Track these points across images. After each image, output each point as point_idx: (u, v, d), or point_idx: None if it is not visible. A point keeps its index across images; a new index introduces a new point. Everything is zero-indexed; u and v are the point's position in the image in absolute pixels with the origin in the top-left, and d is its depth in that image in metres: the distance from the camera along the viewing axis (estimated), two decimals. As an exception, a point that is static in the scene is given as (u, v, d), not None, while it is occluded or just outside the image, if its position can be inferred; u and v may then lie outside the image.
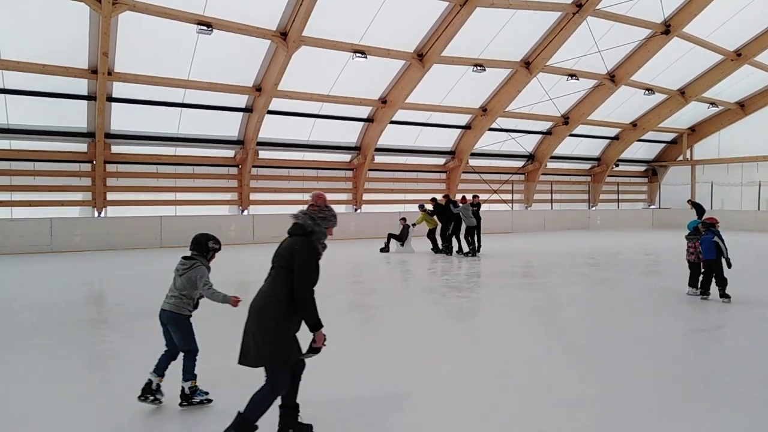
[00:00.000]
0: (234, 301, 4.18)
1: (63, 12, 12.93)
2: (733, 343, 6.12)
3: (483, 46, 17.60)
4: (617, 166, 27.37)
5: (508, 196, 24.66)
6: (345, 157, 20.80)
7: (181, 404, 4.05)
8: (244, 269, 12.19)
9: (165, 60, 14.98)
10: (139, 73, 14.97)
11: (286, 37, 14.86)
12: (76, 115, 15.68)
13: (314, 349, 3.38)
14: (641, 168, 29.75)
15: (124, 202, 17.17)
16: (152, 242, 16.66)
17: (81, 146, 16.33)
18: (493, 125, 21.43)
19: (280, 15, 14.50)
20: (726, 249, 7.87)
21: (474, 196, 15.27)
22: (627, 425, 3.77)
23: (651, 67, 20.45)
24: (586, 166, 27.43)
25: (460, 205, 14.77)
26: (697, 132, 27.56)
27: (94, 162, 16.30)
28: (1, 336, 6.16)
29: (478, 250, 14.49)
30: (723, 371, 5.03)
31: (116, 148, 16.69)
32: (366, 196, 21.26)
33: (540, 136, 24.09)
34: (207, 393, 4.15)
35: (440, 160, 22.93)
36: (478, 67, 17.94)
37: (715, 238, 7.88)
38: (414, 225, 15.62)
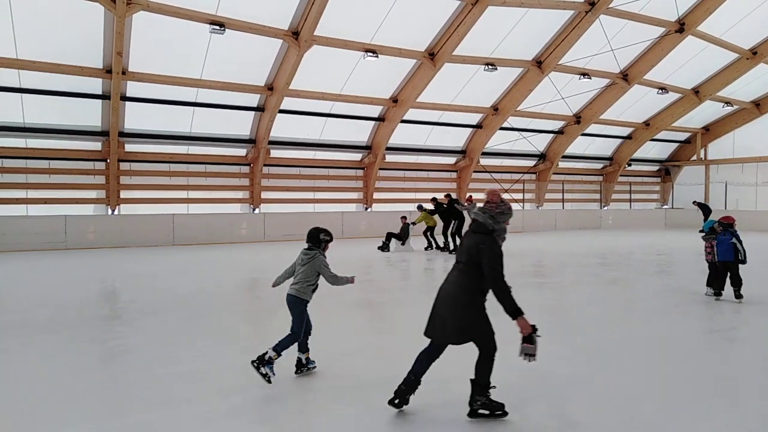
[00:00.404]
0: (353, 280, 4.84)
1: (78, 12, 13.08)
2: (746, 344, 6.06)
3: (494, 45, 17.54)
4: (630, 165, 27.16)
5: (520, 196, 24.55)
6: (356, 156, 20.83)
7: (296, 372, 4.71)
8: (255, 267, 12.26)
9: (178, 59, 15.11)
10: (153, 72, 15.11)
11: (297, 36, 14.92)
12: (90, 114, 15.86)
13: (527, 341, 3.61)
14: (654, 168, 29.49)
15: (138, 200, 17.34)
16: (165, 240, 16.81)
17: (95, 145, 16.51)
18: (505, 124, 21.36)
19: (291, 14, 14.56)
20: (744, 251, 7.76)
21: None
22: (638, 425, 3.76)
23: (664, 66, 20.25)
24: (598, 165, 27.24)
25: (466, 204, 14.78)
26: (711, 131, 27.25)
27: (108, 160, 16.48)
28: (16, 332, 6.26)
29: None
30: (736, 372, 4.99)
31: (130, 147, 16.86)
32: (377, 195, 21.28)
33: (552, 135, 23.96)
34: (274, 374, 4.42)
35: (451, 160, 22.89)
36: (490, 66, 17.88)
37: (733, 240, 7.78)
38: (414, 224, 15.61)
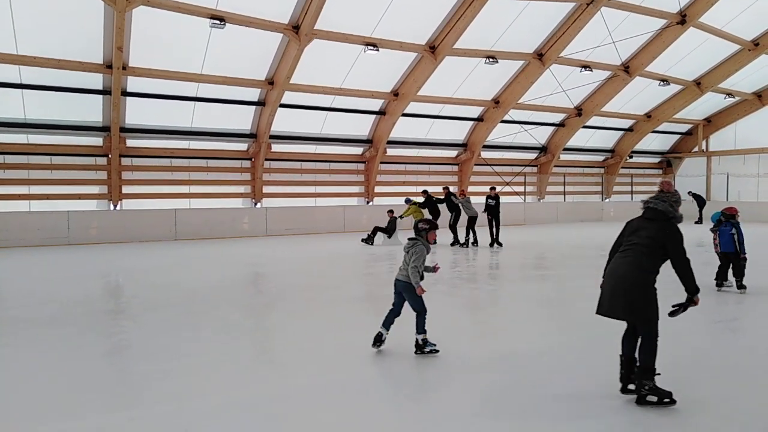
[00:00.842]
0: (435, 269, 5.21)
1: (78, 7, 13.06)
2: (749, 335, 6.09)
3: (495, 38, 17.49)
4: (631, 157, 27.12)
5: (521, 189, 24.55)
6: (357, 150, 20.83)
7: (415, 352, 5.02)
8: (256, 261, 12.30)
9: (178, 54, 15.09)
10: (153, 67, 15.09)
11: (298, 30, 14.88)
12: (91, 110, 15.85)
13: (684, 309, 4.11)
14: (656, 159, 29.45)
15: (139, 195, 17.36)
16: (167, 235, 16.85)
17: (97, 140, 16.52)
18: (506, 117, 21.33)
19: (292, 8, 14.52)
20: (741, 242, 7.79)
21: (491, 188, 15.33)
22: (642, 417, 3.79)
23: (666, 58, 20.19)
24: (600, 157, 27.21)
25: (459, 197, 14.99)
26: (712, 123, 27.19)
27: (110, 156, 16.49)
28: (20, 327, 6.30)
29: (498, 243, 14.46)
30: (739, 363, 5.01)
31: (131, 142, 16.87)
32: (378, 189, 21.28)
33: (553, 128, 23.93)
34: (435, 345, 5.02)
35: (452, 153, 22.87)
36: (491, 59, 17.84)
37: (733, 230, 7.82)
38: (402, 217, 15.54)
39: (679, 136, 28.43)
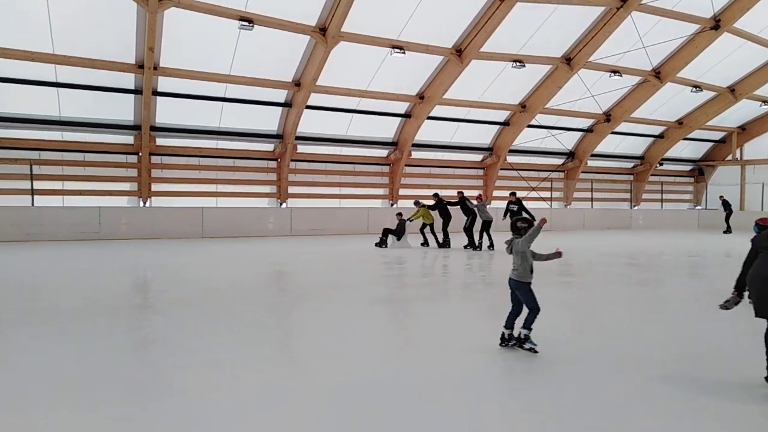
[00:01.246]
0: (558, 254, 5.30)
1: (111, 8, 13.43)
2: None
3: (523, 42, 17.38)
4: (661, 165, 26.60)
5: (547, 194, 24.28)
6: (382, 153, 20.89)
7: (515, 345, 5.22)
8: (280, 261, 12.42)
9: (208, 55, 15.37)
10: (183, 67, 15.40)
11: (325, 32, 15.02)
12: (123, 109, 16.25)
13: None
14: (687, 167, 28.82)
15: (168, 193, 17.72)
16: (194, 233, 17.14)
17: (128, 138, 16.92)
18: (533, 122, 21.15)
19: (319, 10, 14.67)
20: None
21: (511, 194, 15.25)
22: (666, 428, 3.71)
23: (699, 63, 19.79)
24: (629, 164, 26.76)
25: (476, 202, 15.02)
26: (747, 131, 26.51)
27: (140, 154, 16.87)
28: (51, 319, 6.47)
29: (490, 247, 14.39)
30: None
31: (161, 141, 17.23)
32: (402, 192, 21.30)
33: (581, 133, 23.63)
34: (536, 344, 5.12)
35: (478, 157, 22.76)
36: (518, 63, 17.73)
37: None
38: (410, 220, 15.53)
39: (712, 143, 27.78)
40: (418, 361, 5.05)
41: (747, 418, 3.83)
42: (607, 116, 22.48)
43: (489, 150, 22.54)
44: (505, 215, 14.94)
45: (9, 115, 15.21)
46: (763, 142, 26.17)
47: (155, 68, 14.99)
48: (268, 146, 18.94)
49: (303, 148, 19.14)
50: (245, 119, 17.82)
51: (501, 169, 22.63)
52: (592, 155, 24.23)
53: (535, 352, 5.08)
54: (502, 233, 14.67)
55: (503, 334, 5.31)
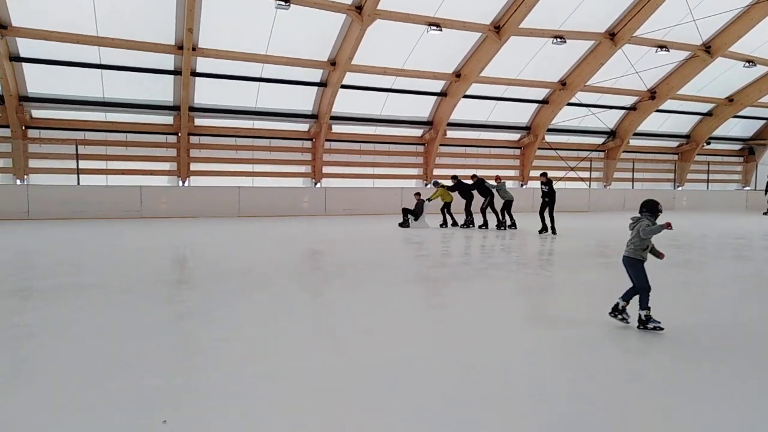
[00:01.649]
0: (667, 226, 5.19)
1: (152, -10, 13.62)
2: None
3: (564, 17, 16.84)
4: (709, 144, 25.54)
5: (586, 174, 23.70)
6: (417, 132, 20.73)
7: (638, 327, 5.16)
8: (316, 240, 12.56)
9: (245, 35, 15.47)
10: (221, 48, 15.56)
11: (361, 10, 14.88)
12: (163, 89, 16.59)
13: None
14: (736, 146, 27.61)
15: (206, 172, 18.08)
16: (231, 211, 17.48)
17: (168, 119, 17.28)
18: (573, 100, 20.58)
19: (355, -12, 14.53)
20: None
21: (542, 174, 14.92)
22: (706, 407, 3.60)
23: (753, 37, 18.81)
24: (674, 143, 25.81)
25: (495, 182, 15.07)
26: (803, 108, 25.15)
27: (179, 134, 17.22)
28: (93, 293, 6.73)
29: (553, 231, 14.13)
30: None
31: (199, 121, 17.54)
32: (437, 172, 21.16)
33: (623, 111, 22.88)
34: (659, 322, 5.11)
35: (515, 136, 22.34)
36: (558, 39, 17.22)
37: None
38: (429, 200, 15.46)
39: (764, 121, 26.50)
40: (453, 340, 5.04)
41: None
42: (652, 93, 21.66)
43: (527, 129, 22.09)
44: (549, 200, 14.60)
45: (56, 97, 15.73)
46: (820, 120, 24.82)
47: (194, 49, 15.20)
48: (303, 126, 19.05)
49: (338, 128, 19.18)
50: (281, 99, 17.94)
51: (539, 148, 22.17)
52: (635, 134, 23.46)
53: (661, 329, 5.05)
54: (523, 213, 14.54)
55: (617, 304, 5.32)
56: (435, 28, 15.85)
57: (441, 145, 20.67)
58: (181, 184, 17.62)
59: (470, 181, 15.60)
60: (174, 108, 17.00)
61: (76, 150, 16.29)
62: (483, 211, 15.19)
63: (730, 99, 23.45)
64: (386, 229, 14.57)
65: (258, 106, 17.92)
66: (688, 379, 4.09)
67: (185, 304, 6.29)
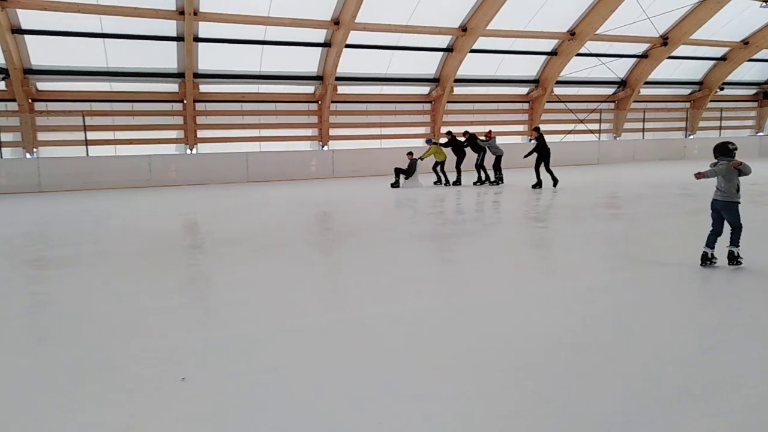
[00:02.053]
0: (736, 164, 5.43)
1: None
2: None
3: (572, -38, 16.27)
4: (722, 89, 24.92)
5: (596, 126, 23.34)
6: (423, 90, 20.45)
7: (729, 263, 5.57)
8: (325, 202, 12.63)
9: (245, -3, 15.18)
10: (223, 12, 15.31)
11: (361, -35, 14.48)
12: (167, 57, 16.43)
13: None
14: (751, 91, 26.93)
15: (213, 139, 18.08)
16: (239, 177, 17.55)
17: (173, 87, 17.18)
18: (582, 50, 20.07)
19: (355, -58, 14.10)
20: None
21: (535, 128, 14.50)
22: (720, 351, 3.67)
23: (770, -25, 18.05)
24: (686, 91, 25.23)
25: (485, 138, 15.20)
26: (822, 48, 24.33)
27: (185, 101, 17.15)
28: (111, 260, 6.89)
29: (554, 183, 13.91)
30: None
31: (204, 88, 17.41)
32: (444, 129, 20.93)
33: (634, 60, 22.31)
34: (742, 258, 5.54)
35: (523, 90, 21.97)
36: (567, -14, 16.68)
37: None
38: (422, 158, 15.39)
39: (780, 63, 25.73)
40: (464, 292, 5.12)
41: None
42: (664, 40, 21.06)
43: (535, 82, 21.68)
44: (529, 154, 14.19)
45: (60, 68, 15.67)
46: (839, 60, 24.05)
47: (195, 13, 14.97)
48: (308, 89, 18.86)
49: (343, 89, 18.95)
50: (285, 62, 17.70)
51: (547, 101, 21.81)
52: (646, 83, 22.93)
53: (740, 263, 5.50)
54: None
55: (705, 254, 5.60)
56: (439, -20, 15.45)
57: (448, 102, 20.39)
58: (189, 151, 17.66)
59: (463, 138, 15.59)
60: (179, 75, 16.87)
61: (83, 121, 16.31)
62: (478, 167, 15.33)
63: (745, 42, 22.73)
64: (395, 190, 14.64)
65: (263, 70, 17.71)
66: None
67: (201, 267, 6.43)
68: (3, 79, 15.21)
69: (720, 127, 26.30)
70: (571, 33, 19.63)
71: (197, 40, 15.99)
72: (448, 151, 15.64)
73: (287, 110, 18.89)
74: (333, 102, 18.88)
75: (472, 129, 16.80)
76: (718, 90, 24.74)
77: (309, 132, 19.42)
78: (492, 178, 15.27)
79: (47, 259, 7.10)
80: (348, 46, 17.27)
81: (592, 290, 5.01)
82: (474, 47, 18.63)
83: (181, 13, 14.87)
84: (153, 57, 16.28)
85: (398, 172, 15.27)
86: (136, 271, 6.21)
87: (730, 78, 24.59)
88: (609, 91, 23.37)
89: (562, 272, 5.96)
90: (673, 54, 21.83)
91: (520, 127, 22.62)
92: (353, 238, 8.00)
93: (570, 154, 21.21)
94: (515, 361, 3.48)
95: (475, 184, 15.27)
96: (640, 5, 18.22)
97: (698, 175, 5.63)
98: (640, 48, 21.70)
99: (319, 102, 18.96)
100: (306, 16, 16.22)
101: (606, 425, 2.68)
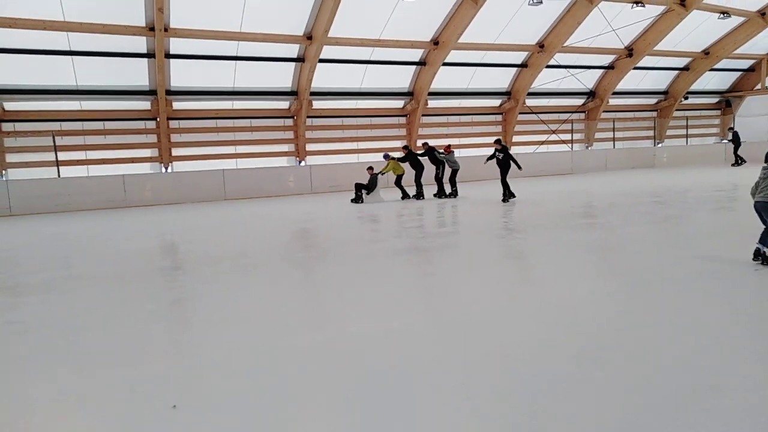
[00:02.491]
0: None
1: (118, -29, 13.20)
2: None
3: (540, -23, 16.68)
4: (686, 99, 25.73)
5: (568, 137, 23.82)
6: (398, 104, 20.61)
7: (753, 259, 5.94)
8: (303, 218, 12.58)
9: (217, 13, 15.14)
10: (194, 27, 15.23)
11: (334, -19, 14.60)
12: (138, 74, 16.24)
13: None
14: (713, 100, 27.87)
15: (188, 157, 17.87)
16: (217, 195, 17.36)
17: (145, 104, 16.97)
18: (551, 62, 20.53)
19: (327, -41, 14.23)
20: None
21: (496, 141, 14.71)
22: (697, 360, 3.76)
23: (728, -12, 18.81)
24: (652, 100, 25.98)
25: (443, 152, 15.56)
26: (778, 57, 25.37)
27: (158, 119, 16.95)
28: (89, 283, 6.73)
29: (510, 195, 14.00)
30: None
31: (177, 105, 17.25)
32: (420, 143, 21.10)
33: (601, 71, 22.91)
34: None
35: (496, 102, 22.32)
36: (536, 0, 17.08)
37: None
38: (382, 173, 15.51)
39: (740, 73, 26.73)
40: (443, 308, 5.16)
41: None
42: (629, 51, 21.69)
43: (507, 94, 22.06)
44: (487, 160, 14.76)
45: (28, 87, 15.35)
46: (795, 69, 25.08)
47: (166, 30, 14.86)
48: (283, 104, 18.84)
49: (318, 104, 18.99)
50: (259, 78, 17.67)
51: (520, 113, 22.19)
52: (614, 93, 23.55)
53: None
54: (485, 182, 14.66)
55: (758, 250, 5.93)
56: (410, -6, 15.65)
57: (423, 115, 20.59)
58: (163, 170, 17.42)
59: (421, 151, 15.80)
60: (151, 92, 16.67)
61: (54, 141, 15.96)
62: (437, 180, 15.49)
63: (706, 52, 23.56)
64: (373, 204, 14.69)
65: (236, 86, 17.62)
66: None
67: (181, 290, 6.33)
68: (-32, 99, 14.83)
69: (686, 135, 27.10)
70: (540, 45, 20.08)
71: (169, 56, 15.86)
72: (407, 166, 15.72)
73: (263, 126, 18.82)
74: (309, 117, 18.89)
75: (447, 141, 17.00)
76: (682, 99, 25.53)
77: (285, 148, 19.37)
78: (447, 192, 15.45)
79: (22, 285, 6.91)
80: (321, 60, 17.34)
81: (579, 299, 5.09)
82: (446, 60, 18.89)
83: (152, 29, 14.75)
84: (124, 74, 16.07)
85: (359, 187, 15.28)
86: (116, 296, 6.09)
87: (694, 87, 25.42)
88: (579, 101, 23.91)
89: (543, 282, 6.05)
90: (639, 65, 22.48)
91: (494, 139, 22.91)
92: (332, 255, 7.99)
93: (544, 164, 21.58)
94: (508, 376, 3.52)
95: (435, 196, 15.48)
96: (605, 18, 18.77)
97: None
98: (606, 59, 22.30)
99: (295, 117, 18.95)
100: (278, 31, 16.25)
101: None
